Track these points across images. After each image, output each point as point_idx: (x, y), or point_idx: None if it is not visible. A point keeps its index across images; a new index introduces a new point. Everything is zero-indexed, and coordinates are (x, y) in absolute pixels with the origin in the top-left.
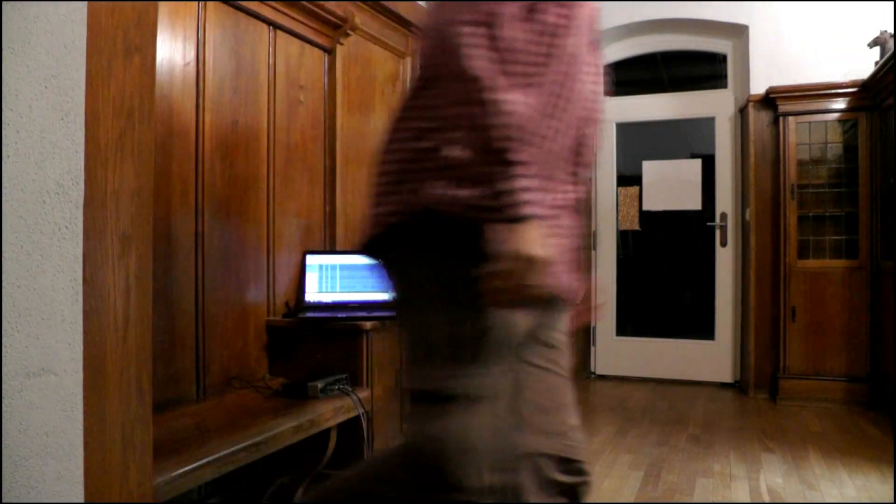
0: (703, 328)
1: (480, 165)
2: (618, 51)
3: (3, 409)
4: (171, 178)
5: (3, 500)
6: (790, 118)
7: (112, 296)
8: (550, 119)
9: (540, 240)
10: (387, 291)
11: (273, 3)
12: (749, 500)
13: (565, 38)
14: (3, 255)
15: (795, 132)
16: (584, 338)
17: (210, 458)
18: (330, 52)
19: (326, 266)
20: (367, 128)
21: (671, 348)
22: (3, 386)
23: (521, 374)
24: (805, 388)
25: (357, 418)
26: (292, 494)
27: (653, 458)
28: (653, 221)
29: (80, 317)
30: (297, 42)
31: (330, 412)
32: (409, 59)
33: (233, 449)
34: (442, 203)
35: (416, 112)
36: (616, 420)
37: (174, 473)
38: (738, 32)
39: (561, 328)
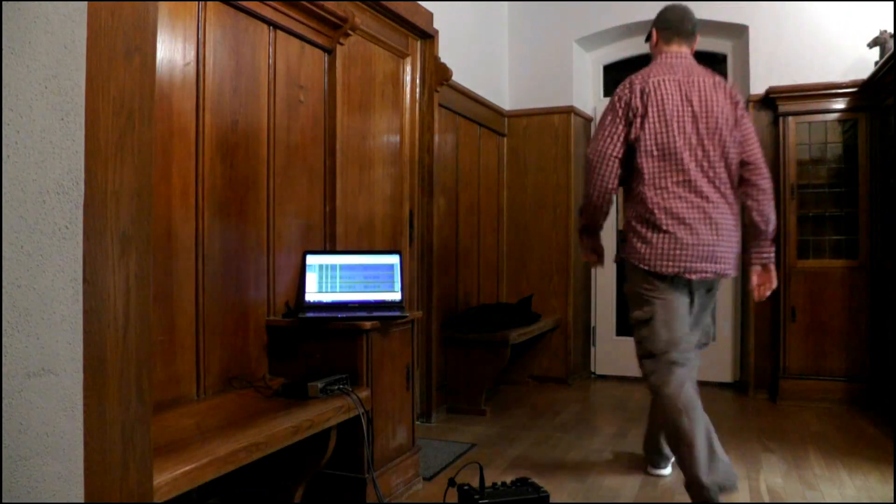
0: None
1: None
2: (618, 51)
3: (3, 409)
4: (171, 178)
5: (3, 500)
6: (790, 118)
7: (112, 296)
8: None
9: None
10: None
11: (273, 3)
12: (749, 500)
13: None
14: (3, 255)
15: (795, 132)
16: (583, 338)
17: (210, 458)
18: (330, 52)
19: (326, 266)
20: (367, 128)
21: None
22: (3, 386)
23: None
24: (805, 388)
25: (357, 418)
26: (293, 495)
27: None
28: None
29: (80, 317)
30: (297, 42)
31: (330, 412)
32: (409, 59)
33: (233, 449)
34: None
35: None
36: (616, 420)
37: (174, 473)
38: (738, 32)
39: None
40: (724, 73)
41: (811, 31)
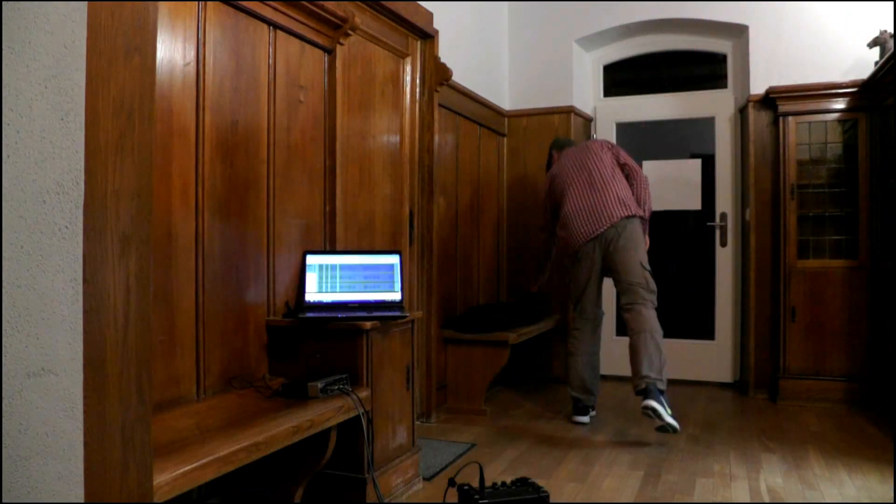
0: (703, 328)
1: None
2: (618, 51)
3: (3, 409)
4: (171, 178)
5: (3, 500)
6: (790, 118)
7: (112, 296)
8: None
9: None
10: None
11: (273, 3)
12: (749, 500)
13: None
14: (3, 255)
15: (795, 132)
16: None
17: (210, 458)
18: (330, 52)
19: (326, 266)
20: (367, 128)
21: (671, 348)
22: (3, 386)
23: None
24: (805, 388)
25: (357, 418)
26: (293, 495)
27: (653, 458)
28: (653, 221)
29: (80, 317)
30: (297, 42)
31: (330, 412)
32: (409, 59)
33: (233, 449)
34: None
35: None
36: (616, 420)
37: (174, 473)
38: (738, 32)
39: None
40: (724, 73)
41: (811, 31)
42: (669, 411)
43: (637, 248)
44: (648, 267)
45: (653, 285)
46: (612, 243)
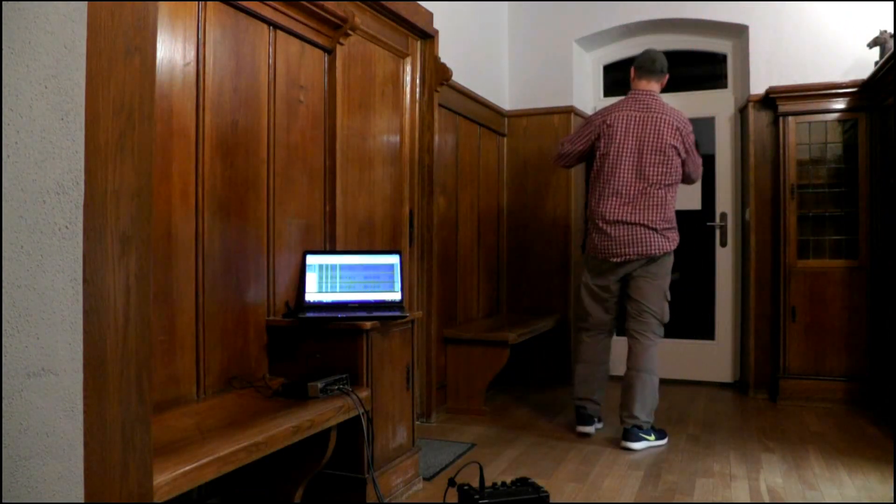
0: (703, 328)
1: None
2: (618, 51)
3: (3, 409)
4: (171, 178)
5: (3, 500)
6: (790, 118)
7: (112, 296)
8: None
9: None
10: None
11: (273, 3)
12: (749, 500)
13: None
14: (3, 255)
15: (795, 132)
16: None
17: (210, 458)
18: (330, 52)
19: (326, 266)
20: (367, 128)
21: (671, 348)
22: (3, 386)
23: None
24: (805, 388)
25: (357, 418)
26: (293, 495)
27: (653, 458)
28: None
29: (80, 317)
30: (297, 42)
31: (330, 412)
32: (409, 59)
33: (233, 449)
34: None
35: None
36: (616, 420)
37: (174, 473)
38: (738, 32)
39: None
40: (724, 73)
41: (811, 31)
42: (653, 437)
43: (665, 277)
44: (669, 297)
45: (667, 317)
46: (643, 268)
